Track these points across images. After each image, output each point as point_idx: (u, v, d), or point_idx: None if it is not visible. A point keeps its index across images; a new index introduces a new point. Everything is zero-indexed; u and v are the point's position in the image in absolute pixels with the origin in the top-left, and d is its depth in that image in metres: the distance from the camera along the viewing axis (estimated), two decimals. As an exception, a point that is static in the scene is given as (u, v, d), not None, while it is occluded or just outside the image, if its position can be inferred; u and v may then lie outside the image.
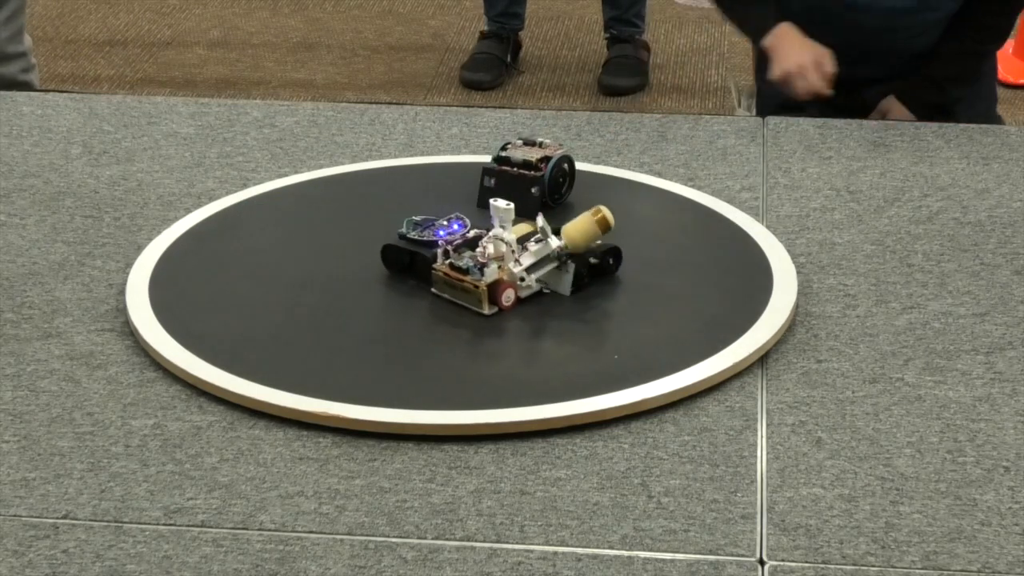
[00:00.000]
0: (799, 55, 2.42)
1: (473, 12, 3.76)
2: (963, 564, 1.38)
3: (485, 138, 2.23)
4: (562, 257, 1.73)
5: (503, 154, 1.98)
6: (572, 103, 3.32)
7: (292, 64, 3.53)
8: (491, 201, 1.74)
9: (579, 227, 1.73)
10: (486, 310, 1.69)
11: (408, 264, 1.80)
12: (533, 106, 3.31)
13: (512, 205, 1.73)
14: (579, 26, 3.81)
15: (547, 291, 1.74)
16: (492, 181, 1.97)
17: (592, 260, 1.76)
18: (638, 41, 4.12)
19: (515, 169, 1.96)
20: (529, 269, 1.72)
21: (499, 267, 1.70)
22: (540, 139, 2.01)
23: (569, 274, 1.74)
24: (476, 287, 1.69)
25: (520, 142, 2.00)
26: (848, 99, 2.51)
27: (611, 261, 1.78)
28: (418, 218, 1.84)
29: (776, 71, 2.42)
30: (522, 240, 1.74)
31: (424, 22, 3.82)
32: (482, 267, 1.70)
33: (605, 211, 1.73)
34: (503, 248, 1.71)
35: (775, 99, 2.55)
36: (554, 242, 1.72)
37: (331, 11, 3.88)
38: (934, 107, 2.53)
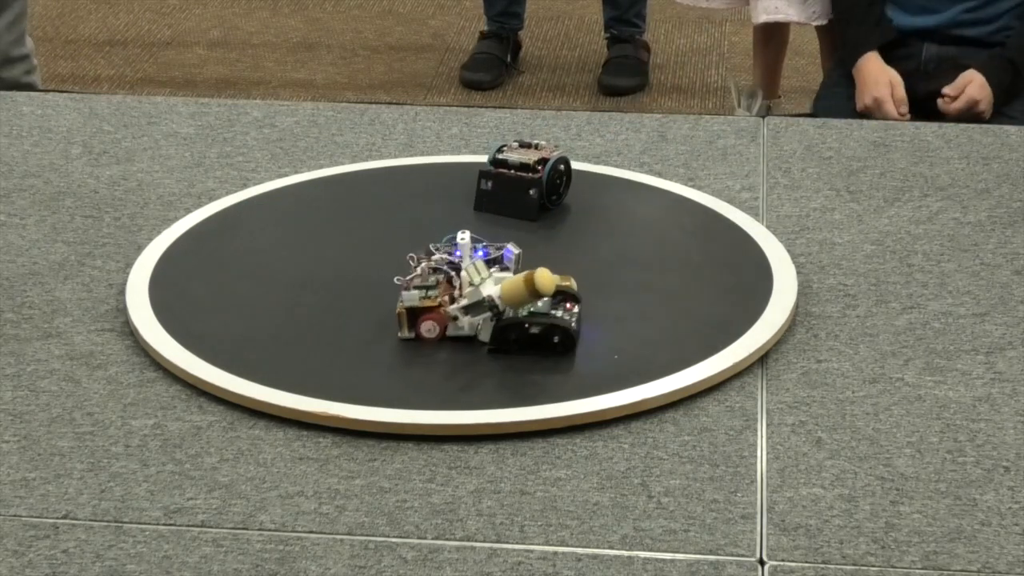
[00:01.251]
0: (874, 89, 2.76)
1: (473, 12, 3.76)
2: (963, 564, 1.38)
3: (485, 138, 2.23)
4: (493, 308, 1.61)
5: (499, 156, 1.97)
6: (572, 103, 3.32)
7: (292, 64, 3.52)
8: (458, 235, 1.68)
9: (510, 284, 1.60)
10: (402, 333, 1.64)
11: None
12: (533, 106, 3.30)
13: (467, 237, 1.67)
14: (579, 26, 3.81)
15: (479, 323, 1.63)
16: (489, 184, 1.96)
17: (532, 330, 1.63)
18: (638, 41, 4.12)
19: (512, 171, 1.95)
20: (468, 310, 1.62)
21: (429, 296, 1.63)
22: (536, 141, 2.00)
23: (489, 328, 1.63)
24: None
25: (516, 144, 1.99)
26: (906, 54, 2.81)
27: (555, 339, 1.63)
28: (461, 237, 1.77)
29: (858, 105, 2.81)
30: (558, 292, 1.63)
31: (424, 22, 3.81)
32: (410, 286, 1.65)
33: (540, 276, 1.58)
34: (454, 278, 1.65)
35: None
36: (486, 290, 1.61)
37: (331, 11, 3.87)
38: (1006, 88, 2.67)
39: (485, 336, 1.64)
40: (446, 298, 1.66)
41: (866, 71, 2.83)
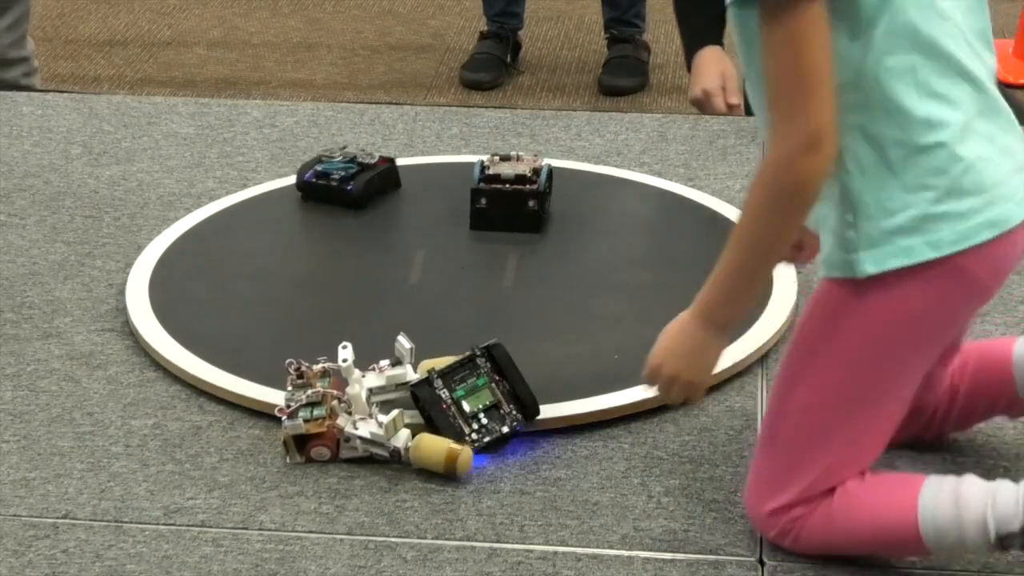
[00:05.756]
0: (705, 80, 2.53)
1: (473, 12, 3.75)
2: (963, 564, 1.38)
3: (485, 138, 2.23)
4: (395, 456, 1.49)
5: (489, 172, 1.92)
6: (572, 103, 3.32)
7: (292, 64, 3.52)
8: (399, 338, 1.57)
9: (429, 450, 1.49)
10: (292, 458, 1.52)
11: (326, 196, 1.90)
12: (533, 106, 3.30)
13: (411, 345, 1.56)
14: (579, 26, 3.80)
15: (379, 456, 1.52)
16: (484, 201, 1.91)
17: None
18: (638, 41, 4.11)
19: (508, 186, 1.91)
20: (368, 443, 1.51)
21: (314, 418, 1.51)
22: (514, 152, 1.96)
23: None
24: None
25: (497, 158, 1.94)
26: None
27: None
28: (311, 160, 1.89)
29: (689, 95, 2.57)
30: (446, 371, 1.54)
31: (424, 22, 3.81)
32: (294, 412, 1.52)
33: (463, 461, 1.49)
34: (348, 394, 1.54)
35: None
36: (396, 441, 1.50)
37: (331, 11, 3.87)
38: None
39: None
40: (336, 403, 1.52)
41: (700, 62, 2.62)
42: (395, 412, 1.50)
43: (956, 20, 1.28)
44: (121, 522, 1.44)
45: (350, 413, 1.52)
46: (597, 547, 1.41)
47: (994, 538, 1.28)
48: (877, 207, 1.27)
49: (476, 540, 1.42)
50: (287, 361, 1.56)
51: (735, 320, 1.40)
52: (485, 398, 1.53)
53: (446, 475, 1.49)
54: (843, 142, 1.26)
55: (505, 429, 1.53)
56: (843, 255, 1.29)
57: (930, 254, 1.26)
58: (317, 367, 1.57)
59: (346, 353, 1.54)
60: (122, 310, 1.78)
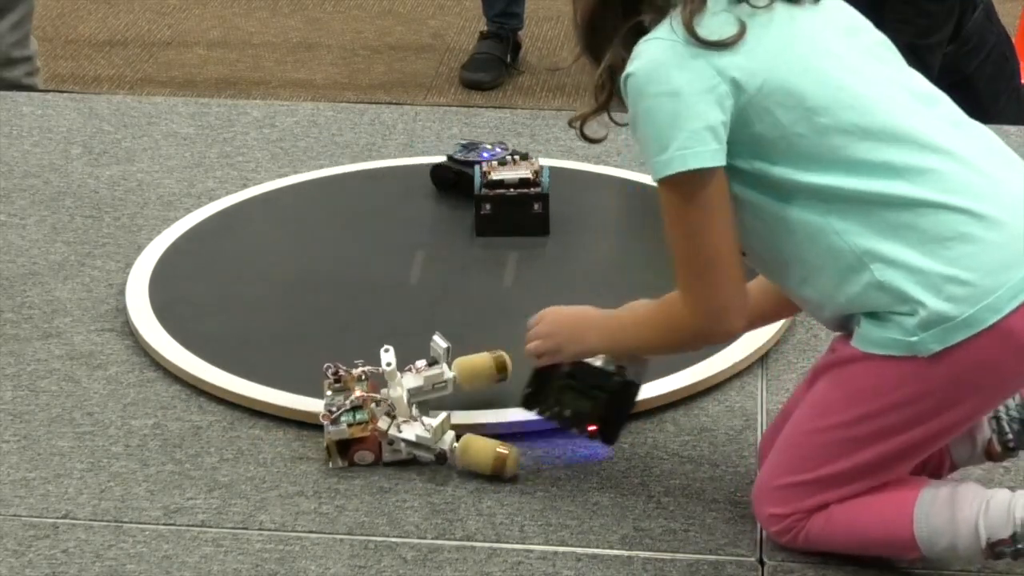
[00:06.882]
0: None
1: (473, 12, 3.75)
2: (963, 563, 1.37)
3: (485, 138, 2.22)
4: (440, 458, 1.49)
5: (491, 178, 1.90)
6: (572, 103, 3.32)
7: (292, 64, 3.52)
8: (434, 338, 1.58)
9: (475, 452, 1.49)
10: (334, 463, 1.51)
11: (454, 182, 1.96)
12: (533, 106, 3.30)
13: (447, 345, 1.56)
14: (579, 26, 3.81)
15: (423, 459, 1.51)
16: (488, 207, 1.90)
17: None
18: (638, 41, 4.11)
19: (512, 190, 1.90)
20: (412, 446, 1.50)
21: (357, 422, 1.50)
22: (510, 157, 1.94)
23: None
24: None
25: (495, 162, 1.93)
26: None
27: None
28: (465, 142, 1.97)
29: None
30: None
31: (424, 22, 3.80)
32: (337, 417, 1.51)
33: (511, 463, 1.49)
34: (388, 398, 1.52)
35: None
36: (443, 443, 1.49)
37: (331, 11, 3.87)
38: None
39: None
40: (374, 405, 1.51)
41: None
42: (443, 414, 1.50)
43: (886, 94, 1.31)
44: (121, 522, 1.44)
45: (390, 416, 1.51)
46: (597, 547, 1.41)
47: (985, 544, 1.29)
48: (925, 290, 1.26)
49: (476, 540, 1.42)
50: (324, 365, 1.55)
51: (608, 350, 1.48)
52: (584, 406, 1.50)
53: (493, 476, 1.48)
54: (862, 247, 1.28)
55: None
56: (898, 337, 1.28)
57: (990, 318, 1.25)
58: (355, 371, 1.55)
59: (388, 356, 1.53)
60: (122, 310, 1.78)
